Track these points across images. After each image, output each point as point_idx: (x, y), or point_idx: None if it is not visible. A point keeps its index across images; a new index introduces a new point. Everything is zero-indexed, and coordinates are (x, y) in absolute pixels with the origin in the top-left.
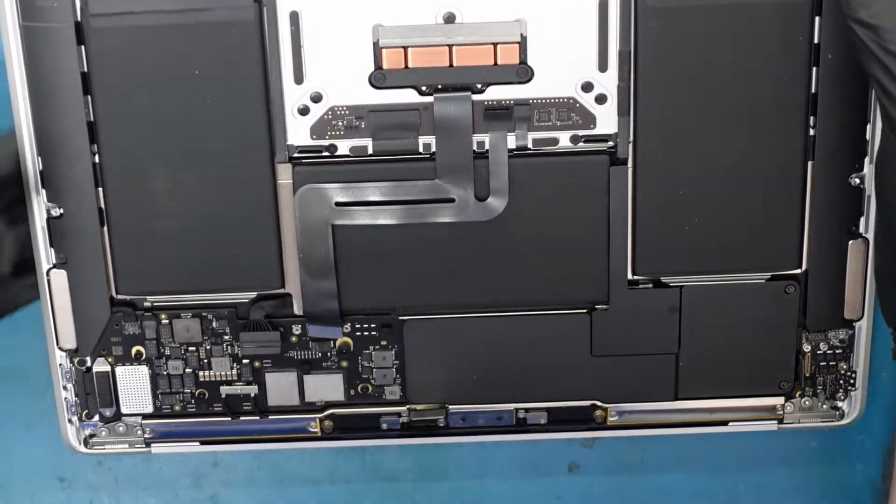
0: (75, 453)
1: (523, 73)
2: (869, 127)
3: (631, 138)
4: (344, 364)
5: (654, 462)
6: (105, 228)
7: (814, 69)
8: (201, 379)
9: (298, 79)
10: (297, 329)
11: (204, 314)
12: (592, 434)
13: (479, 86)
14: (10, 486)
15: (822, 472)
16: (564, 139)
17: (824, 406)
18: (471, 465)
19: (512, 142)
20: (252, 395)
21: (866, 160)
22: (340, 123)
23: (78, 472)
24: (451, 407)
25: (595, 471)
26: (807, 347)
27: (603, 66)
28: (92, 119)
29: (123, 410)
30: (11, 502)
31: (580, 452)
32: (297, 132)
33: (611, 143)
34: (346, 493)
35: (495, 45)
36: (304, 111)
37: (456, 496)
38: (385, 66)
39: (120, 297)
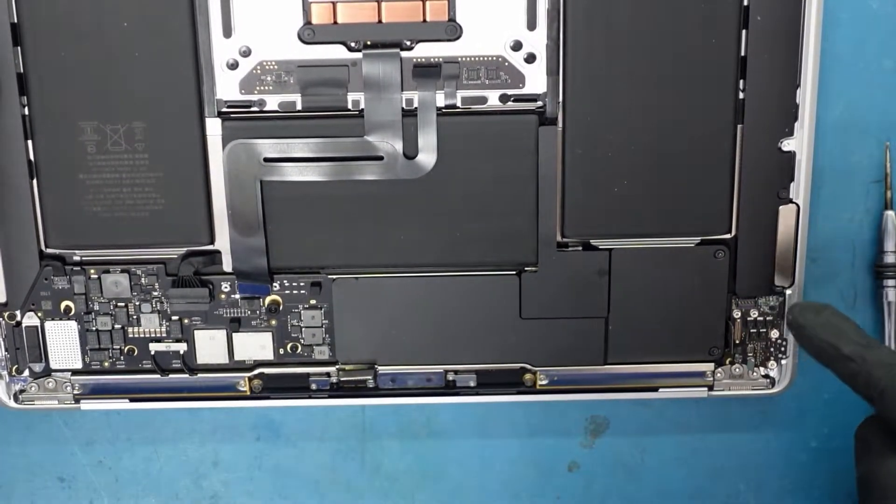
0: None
1: (452, 30)
2: (799, 91)
3: (560, 98)
4: (273, 323)
5: (654, 462)
6: (35, 181)
7: (743, 31)
8: (130, 335)
9: (227, 32)
10: (226, 286)
11: (133, 270)
12: (523, 398)
13: (408, 42)
14: (11, 486)
15: (822, 473)
16: (493, 98)
17: (754, 374)
18: (471, 465)
19: (441, 100)
20: (181, 352)
21: (796, 125)
22: (269, 78)
23: (78, 472)
24: (380, 368)
25: (595, 471)
26: (737, 314)
27: (532, 25)
28: (22, 71)
29: (53, 366)
30: (11, 502)
31: (580, 452)
32: (226, 86)
33: (540, 103)
34: (346, 493)
35: (424, 1)
36: (233, 65)
37: (456, 496)
38: (314, 22)
39: (49, 250)
